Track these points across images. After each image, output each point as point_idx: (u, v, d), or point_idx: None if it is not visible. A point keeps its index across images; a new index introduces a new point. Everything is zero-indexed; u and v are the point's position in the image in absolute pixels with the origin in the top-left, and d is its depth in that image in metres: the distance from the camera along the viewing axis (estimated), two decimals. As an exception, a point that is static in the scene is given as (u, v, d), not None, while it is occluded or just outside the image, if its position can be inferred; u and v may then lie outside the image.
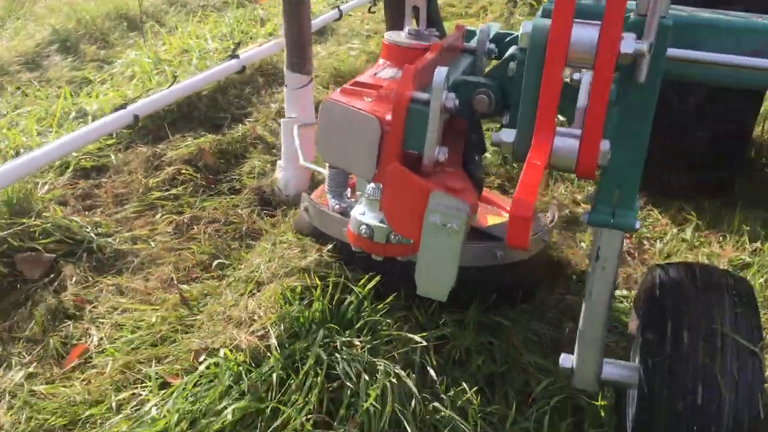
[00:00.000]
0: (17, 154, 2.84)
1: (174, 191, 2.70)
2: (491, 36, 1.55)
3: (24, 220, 2.26)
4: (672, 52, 1.29)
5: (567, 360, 1.59)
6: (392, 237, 1.50)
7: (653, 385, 1.44)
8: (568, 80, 1.22)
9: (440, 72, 1.18)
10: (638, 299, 1.69)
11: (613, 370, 1.56)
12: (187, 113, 3.31)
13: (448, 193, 1.19)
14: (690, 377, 1.39)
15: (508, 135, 1.25)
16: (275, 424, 1.57)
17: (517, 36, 1.49)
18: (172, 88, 3.18)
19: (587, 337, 1.53)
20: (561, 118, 1.33)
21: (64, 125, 3.25)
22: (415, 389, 1.70)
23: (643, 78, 1.19)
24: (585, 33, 1.12)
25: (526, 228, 1.03)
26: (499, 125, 1.39)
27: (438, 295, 1.25)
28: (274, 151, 3.09)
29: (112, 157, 2.93)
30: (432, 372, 1.80)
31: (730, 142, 2.72)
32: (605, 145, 1.17)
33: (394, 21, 1.85)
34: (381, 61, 1.55)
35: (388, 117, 1.23)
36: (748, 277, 2.27)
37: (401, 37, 1.53)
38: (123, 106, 2.86)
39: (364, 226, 1.50)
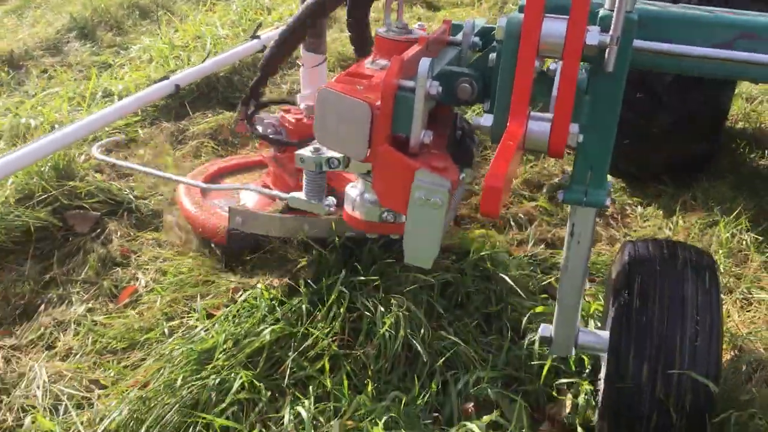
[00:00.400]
0: (52, 128, 3.10)
1: (198, 162, 2.97)
2: (476, 30, 1.65)
3: (70, 183, 2.53)
4: (641, 43, 1.39)
5: (546, 329, 1.70)
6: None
7: (620, 351, 1.54)
8: (545, 70, 1.32)
9: (425, 62, 1.28)
10: (611, 273, 1.78)
11: (587, 337, 1.68)
12: (206, 93, 3.58)
13: (432, 172, 1.28)
14: (654, 344, 1.50)
15: (487, 119, 1.34)
16: (306, 344, 1.85)
17: None
18: (207, 62, 3.48)
19: (564, 307, 1.64)
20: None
21: (91, 105, 3.51)
22: (424, 320, 1.98)
23: (611, 68, 1.28)
24: (554, 26, 1.22)
25: (497, 197, 1.12)
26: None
27: (424, 262, 1.35)
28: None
29: (140, 131, 3.20)
30: (438, 307, 2.07)
31: (705, 119, 2.75)
32: (574, 128, 1.25)
33: (358, 44, 2.02)
34: (373, 53, 1.67)
35: (378, 103, 1.32)
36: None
37: (391, 31, 1.64)
38: (165, 77, 3.14)
39: (386, 213, 1.60)
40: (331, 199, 1.77)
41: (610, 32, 1.25)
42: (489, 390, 1.87)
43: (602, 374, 1.76)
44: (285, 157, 2.37)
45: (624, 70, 1.33)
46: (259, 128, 2.26)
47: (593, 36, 1.21)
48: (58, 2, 5.54)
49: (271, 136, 2.29)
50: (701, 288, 1.55)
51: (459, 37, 1.63)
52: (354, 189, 1.61)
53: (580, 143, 1.35)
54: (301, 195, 1.74)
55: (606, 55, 1.27)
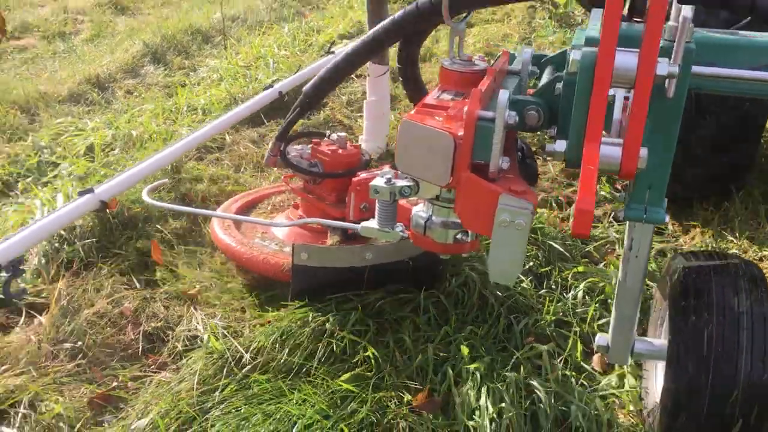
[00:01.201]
0: (164, 137, 3.62)
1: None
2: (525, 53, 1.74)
3: (183, 175, 3.05)
4: (697, 69, 1.44)
5: (602, 339, 1.75)
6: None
7: (680, 361, 1.59)
8: None
9: (504, 94, 1.35)
10: (662, 283, 1.84)
11: (643, 346, 1.73)
12: (276, 106, 4.08)
13: (514, 195, 1.34)
14: (712, 353, 1.54)
15: (560, 145, 1.38)
16: (400, 294, 2.30)
17: (549, 56, 1.82)
18: (303, 70, 3.98)
19: (621, 317, 1.68)
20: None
21: (178, 118, 4.03)
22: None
23: (672, 94, 1.33)
24: (626, 59, 1.27)
25: (589, 220, 1.17)
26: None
27: (507, 281, 1.42)
28: (350, 130, 3.85)
29: (227, 137, 3.70)
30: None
31: (739, 136, 2.78)
32: (644, 152, 1.30)
33: (412, 92, 2.11)
34: (439, 84, 1.73)
35: (460, 133, 1.39)
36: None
37: (455, 63, 1.70)
38: (270, 86, 3.64)
39: (460, 234, 1.62)
40: (402, 226, 1.80)
41: (671, 61, 1.30)
42: (546, 328, 2.30)
43: (647, 374, 1.92)
44: (321, 189, 2.41)
45: (683, 96, 1.38)
46: (293, 162, 2.32)
47: (663, 67, 1.27)
48: (124, 30, 6.14)
49: (311, 170, 2.34)
50: (755, 298, 1.59)
51: (517, 66, 1.73)
52: (422, 213, 1.63)
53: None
54: (372, 224, 1.78)
55: (666, 82, 1.32)
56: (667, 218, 1.52)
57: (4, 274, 1.46)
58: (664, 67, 1.27)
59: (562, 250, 2.68)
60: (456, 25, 1.67)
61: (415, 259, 2.22)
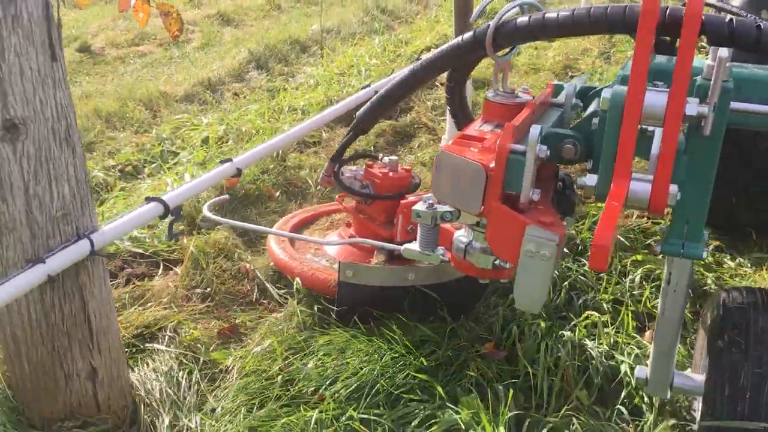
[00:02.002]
0: (273, 133, 4.11)
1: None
2: (576, 91, 1.73)
3: (288, 163, 3.50)
4: (737, 105, 1.46)
5: (642, 371, 1.75)
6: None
7: (717, 395, 1.55)
8: (644, 128, 1.37)
9: (535, 129, 1.38)
10: (703, 318, 1.82)
11: (682, 380, 1.71)
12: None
13: (541, 227, 1.36)
14: (750, 389, 1.51)
15: (591, 179, 1.40)
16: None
17: (599, 89, 1.75)
18: (395, 74, 4.36)
19: (660, 352, 1.68)
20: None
21: (280, 117, 4.51)
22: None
23: (708, 132, 1.34)
24: (656, 99, 1.29)
25: (605, 255, 1.18)
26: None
27: (532, 308, 1.44)
28: (434, 132, 4.22)
29: (324, 134, 4.15)
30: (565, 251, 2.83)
31: None
32: (673, 189, 1.31)
33: (460, 122, 2.15)
34: (482, 115, 1.77)
35: (492, 164, 1.42)
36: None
37: (499, 95, 1.73)
38: (368, 85, 4.00)
39: (499, 260, 1.62)
40: (443, 249, 1.84)
41: (708, 100, 1.31)
42: (603, 304, 2.59)
43: (695, 411, 1.92)
44: (372, 209, 2.47)
45: (720, 133, 1.38)
46: (345, 182, 2.39)
47: (692, 107, 1.28)
48: (233, 41, 6.76)
49: (362, 191, 2.40)
50: None
51: (561, 98, 1.73)
52: (463, 238, 1.65)
53: (677, 199, 1.41)
54: (415, 246, 1.85)
55: (704, 120, 1.33)
56: (705, 254, 1.50)
57: (170, 216, 1.90)
58: (693, 107, 1.28)
59: (623, 240, 2.96)
60: (500, 59, 1.70)
61: (459, 281, 2.26)
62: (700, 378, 1.70)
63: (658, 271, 2.75)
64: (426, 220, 1.74)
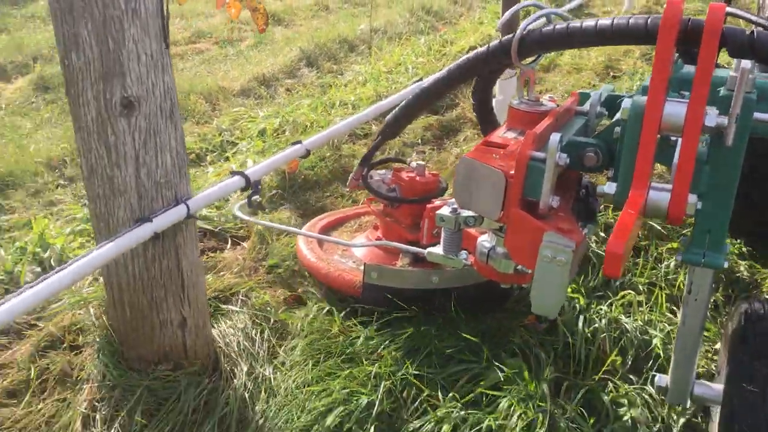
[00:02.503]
0: (326, 125, 4.36)
1: (421, 148, 4.10)
2: (602, 99, 1.73)
3: (342, 152, 3.74)
4: (761, 116, 1.44)
5: (662, 380, 1.75)
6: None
7: (733, 407, 1.56)
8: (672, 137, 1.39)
9: (555, 137, 1.39)
10: (726, 328, 1.82)
11: (702, 389, 1.71)
12: (416, 103, 4.74)
13: (558, 233, 1.37)
14: (765, 401, 1.50)
15: (610, 187, 1.42)
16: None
17: (625, 97, 1.70)
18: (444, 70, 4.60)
19: (681, 360, 1.68)
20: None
21: (331, 111, 4.76)
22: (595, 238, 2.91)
23: (730, 142, 1.35)
24: (675, 109, 1.30)
25: (618, 262, 1.18)
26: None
27: (549, 313, 1.44)
28: (478, 126, 4.42)
29: (373, 126, 4.39)
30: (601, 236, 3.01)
31: None
32: (692, 198, 1.32)
33: (484, 124, 2.15)
34: (507, 122, 1.79)
35: (512, 171, 1.43)
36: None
37: (523, 103, 1.74)
38: (420, 79, 4.20)
39: (521, 265, 1.62)
40: (466, 253, 1.85)
41: (730, 110, 1.32)
42: (638, 286, 2.77)
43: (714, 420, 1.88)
44: (398, 213, 2.51)
45: (743, 144, 1.39)
46: (373, 186, 2.44)
47: (711, 118, 1.29)
48: (284, 39, 7.05)
49: (389, 194, 2.44)
50: None
51: (586, 107, 1.73)
52: (486, 242, 1.66)
53: (698, 209, 1.41)
54: (438, 250, 1.85)
55: (725, 130, 1.33)
56: (726, 264, 1.50)
57: (251, 189, 2.14)
58: (712, 118, 1.29)
59: (660, 229, 3.12)
60: (525, 67, 1.71)
61: (483, 284, 2.28)
62: (720, 387, 1.68)
63: (692, 258, 2.91)
64: (449, 225, 1.76)
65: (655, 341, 2.37)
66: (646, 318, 2.53)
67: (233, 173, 2.16)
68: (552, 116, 1.58)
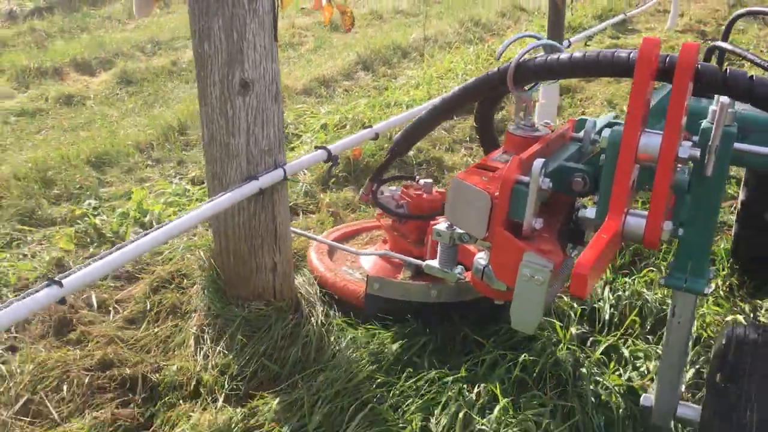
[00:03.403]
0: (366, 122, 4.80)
1: (466, 144, 4.51)
2: (598, 127, 1.77)
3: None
4: (742, 146, 1.53)
5: (647, 399, 1.79)
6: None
7: (711, 427, 1.57)
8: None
9: (538, 162, 1.43)
10: (713, 353, 1.82)
11: (686, 411, 1.74)
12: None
13: (538, 254, 1.41)
14: (741, 423, 1.49)
15: (591, 212, 1.49)
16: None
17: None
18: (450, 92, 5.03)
19: (664, 382, 1.72)
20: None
21: (387, 109, 5.20)
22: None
23: (710, 173, 1.40)
24: (650, 141, 1.34)
25: (584, 282, 1.21)
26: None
27: (526, 329, 1.47)
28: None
29: (426, 125, 4.82)
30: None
31: None
32: (667, 225, 1.36)
33: (485, 146, 2.20)
34: (503, 146, 1.83)
35: (497, 193, 1.48)
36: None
37: (518, 128, 1.78)
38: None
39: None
40: (461, 268, 1.92)
41: (710, 142, 1.38)
42: (661, 267, 3.12)
43: None
44: (405, 228, 2.58)
45: (722, 175, 1.44)
46: (382, 201, 2.50)
47: (685, 150, 1.34)
48: (341, 45, 7.54)
49: (396, 210, 2.52)
50: None
51: (581, 134, 1.77)
52: (482, 260, 1.69)
53: (681, 236, 1.50)
54: (435, 263, 1.94)
55: (706, 161, 1.38)
56: (708, 290, 1.55)
57: (331, 162, 2.58)
58: (686, 150, 1.34)
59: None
60: (521, 94, 1.75)
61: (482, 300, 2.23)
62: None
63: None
64: (445, 240, 1.86)
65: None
66: (665, 292, 2.88)
67: (317, 147, 2.61)
68: (542, 142, 1.65)
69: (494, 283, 1.65)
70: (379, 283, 2.37)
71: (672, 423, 1.78)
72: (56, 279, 1.67)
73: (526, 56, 1.65)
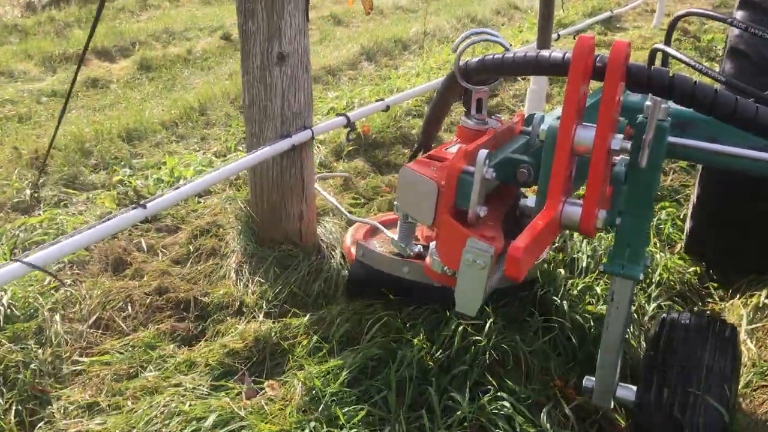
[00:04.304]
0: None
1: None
2: (546, 121, 1.79)
3: (401, 123, 4.61)
4: (678, 140, 1.61)
5: (589, 381, 1.87)
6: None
7: (641, 406, 1.71)
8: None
9: (482, 153, 1.48)
10: (650, 336, 1.95)
11: (624, 392, 1.82)
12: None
13: (481, 240, 1.45)
14: (671, 398, 1.65)
15: (531, 201, 1.55)
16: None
17: None
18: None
19: (605, 364, 1.79)
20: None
21: (390, 95, 5.63)
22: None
23: (645, 164, 1.45)
24: (585, 134, 1.40)
25: (517, 264, 1.27)
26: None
27: (469, 311, 1.49)
28: (514, 110, 5.26)
29: (425, 108, 5.25)
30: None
31: None
32: (602, 213, 1.42)
33: (425, 136, 2.35)
34: (454, 138, 1.92)
35: (443, 182, 1.53)
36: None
37: (469, 121, 1.86)
38: None
39: (447, 267, 1.69)
40: (419, 247, 2.03)
41: (644, 135, 1.44)
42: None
43: None
44: None
45: (657, 166, 1.51)
46: None
47: (617, 142, 1.40)
48: (344, 38, 7.97)
49: None
50: (717, 356, 1.70)
51: (530, 127, 1.83)
52: (434, 245, 1.75)
53: (619, 225, 1.57)
54: (395, 237, 2.14)
55: (640, 154, 1.44)
56: (641, 276, 1.62)
57: (350, 127, 3.01)
58: (617, 142, 1.40)
59: (658, 193, 3.92)
60: (475, 89, 1.84)
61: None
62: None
63: (678, 214, 3.70)
64: (402, 215, 2.08)
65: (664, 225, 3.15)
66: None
67: (338, 114, 3.04)
68: (489, 134, 1.71)
69: (434, 264, 1.73)
70: (363, 251, 2.44)
71: (612, 403, 1.86)
72: (141, 203, 2.10)
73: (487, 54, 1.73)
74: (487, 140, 1.68)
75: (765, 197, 2.51)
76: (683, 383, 1.68)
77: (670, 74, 1.41)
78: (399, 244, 2.09)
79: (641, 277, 1.63)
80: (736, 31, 2.54)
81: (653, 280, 2.88)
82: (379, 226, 2.62)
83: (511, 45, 1.88)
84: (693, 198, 2.92)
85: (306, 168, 2.88)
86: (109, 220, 2.05)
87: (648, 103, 1.45)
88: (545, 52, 1.53)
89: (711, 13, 2.30)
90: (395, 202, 2.04)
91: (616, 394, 1.83)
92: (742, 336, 2.51)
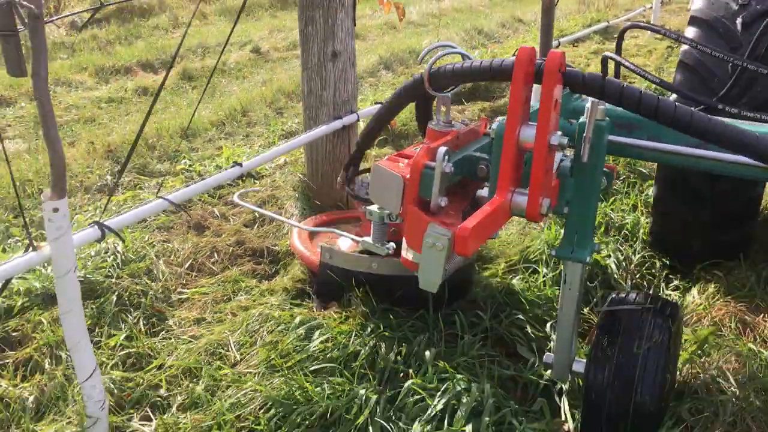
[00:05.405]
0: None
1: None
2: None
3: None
4: (621, 139, 1.78)
5: (549, 357, 2.01)
6: None
7: (589, 378, 1.86)
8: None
9: (441, 150, 1.65)
10: (599, 316, 2.03)
11: (580, 366, 1.93)
12: (473, 91, 6.24)
13: (440, 225, 1.60)
14: (612, 371, 1.80)
15: (485, 191, 1.74)
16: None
17: None
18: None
19: (561, 341, 1.92)
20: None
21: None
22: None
23: (586, 158, 1.63)
24: (528, 132, 1.57)
25: (464, 242, 1.43)
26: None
27: (431, 288, 1.64)
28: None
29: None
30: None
31: (741, 209, 2.87)
32: (546, 201, 1.58)
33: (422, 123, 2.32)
34: (426, 139, 2.07)
35: (408, 176, 1.71)
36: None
37: (436, 124, 2.04)
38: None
39: (413, 254, 1.81)
40: (392, 245, 2.14)
41: (584, 133, 1.60)
42: (624, 207, 4.19)
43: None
44: None
45: (599, 160, 1.66)
46: (356, 189, 2.61)
47: (555, 138, 1.56)
48: (361, 50, 8.68)
49: (365, 197, 2.47)
50: (658, 333, 1.81)
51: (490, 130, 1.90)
52: None
53: (567, 213, 1.74)
54: (369, 239, 2.23)
55: (582, 150, 1.60)
56: (589, 258, 1.76)
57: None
58: (556, 138, 1.55)
59: (642, 170, 4.54)
60: (441, 95, 2.02)
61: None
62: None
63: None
64: (375, 218, 2.18)
65: (629, 221, 3.79)
66: (624, 210, 3.94)
67: (376, 103, 3.71)
68: (452, 135, 1.88)
69: (406, 253, 1.87)
70: (329, 253, 2.56)
71: (569, 376, 2.02)
72: (239, 162, 2.76)
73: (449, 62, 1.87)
74: (449, 140, 1.85)
75: (710, 195, 2.74)
76: (626, 352, 1.82)
77: (602, 78, 1.57)
78: (374, 245, 2.26)
79: (589, 260, 1.79)
80: (685, 45, 2.67)
81: (620, 274, 3.10)
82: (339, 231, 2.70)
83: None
84: (652, 197, 3.18)
85: (351, 142, 3.55)
86: (211, 176, 2.71)
87: (587, 104, 1.62)
88: (498, 61, 1.68)
89: (656, 27, 2.53)
90: (365, 209, 2.27)
91: (572, 368, 1.97)
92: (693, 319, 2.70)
